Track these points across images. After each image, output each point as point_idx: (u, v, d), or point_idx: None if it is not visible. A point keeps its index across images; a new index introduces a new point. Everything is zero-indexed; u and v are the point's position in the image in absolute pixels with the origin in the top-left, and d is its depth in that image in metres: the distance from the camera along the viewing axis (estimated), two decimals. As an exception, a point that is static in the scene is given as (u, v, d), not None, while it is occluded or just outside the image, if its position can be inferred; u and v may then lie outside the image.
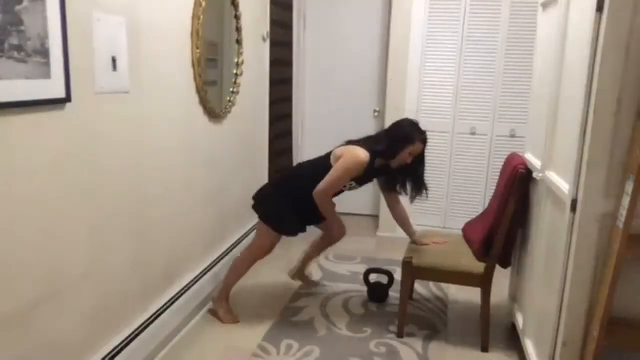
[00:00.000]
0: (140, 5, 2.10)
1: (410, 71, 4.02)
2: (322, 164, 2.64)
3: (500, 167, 2.80)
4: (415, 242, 2.84)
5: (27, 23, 1.51)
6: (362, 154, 2.56)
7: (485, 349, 2.59)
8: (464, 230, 2.95)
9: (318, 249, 3.14)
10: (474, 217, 3.06)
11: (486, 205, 3.89)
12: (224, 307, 2.78)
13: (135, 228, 2.18)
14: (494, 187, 3.58)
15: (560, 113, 2.07)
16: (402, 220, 2.88)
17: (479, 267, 2.57)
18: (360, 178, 2.67)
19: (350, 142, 2.68)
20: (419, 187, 2.75)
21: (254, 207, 2.75)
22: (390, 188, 2.82)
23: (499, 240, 2.50)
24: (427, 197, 2.80)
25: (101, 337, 1.99)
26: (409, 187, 2.77)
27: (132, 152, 2.12)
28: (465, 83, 3.96)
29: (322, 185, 2.56)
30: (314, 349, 2.54)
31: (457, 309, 3.03)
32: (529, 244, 2.46)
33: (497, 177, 2.91)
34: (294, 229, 2.74)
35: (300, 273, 3.19)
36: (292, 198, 2.66)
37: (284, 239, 2.81)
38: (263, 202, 2.74)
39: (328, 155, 2.69)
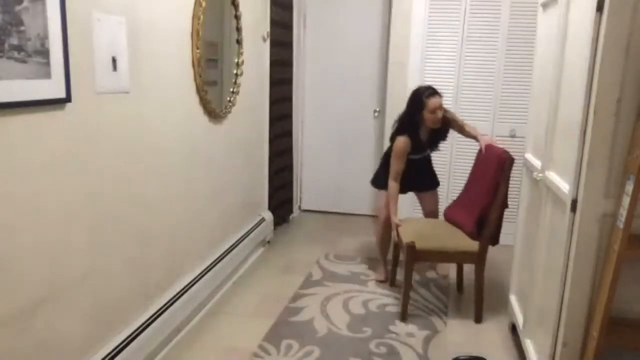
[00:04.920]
0: (140, 5, 2.10)
1: (410, 71, 4.02)
2: None
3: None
4: (478, 140, 3.12)
5: (27, 23, 1.51)
6: (401, 140, 3.08)
7: (478, 320, 2.87)
8: (447, 214, 3.23)
9: None
10: (452, 202, 3.35)
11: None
12: (380, 266, 3.41)
13: (135, 228, 2.18)
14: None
15: (560, 113, 2.07)
16: (467, 135, 3.23)
17: (473, 245, 2.85)
18: (417, 148, 3.14)
19: (394, 133, 3.18)
20: (441, 140, 3.27)
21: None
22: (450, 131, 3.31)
23: (492, 220, 2.80)
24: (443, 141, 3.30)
25: (101, 337, 1.99)
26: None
27: (132, 152, 2.12)
28: (465, 83, 3.96)
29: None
30: (314, 349, 2.54)
31: (457, 310, 3.03)
32: (529, 244, 2.46)
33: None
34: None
35: None
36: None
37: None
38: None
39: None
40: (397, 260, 3.36)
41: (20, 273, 1.58)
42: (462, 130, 3.26)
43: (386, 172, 3.22)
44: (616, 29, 1.60)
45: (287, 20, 4.20)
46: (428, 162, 3.39)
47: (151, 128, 2.25)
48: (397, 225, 3.10)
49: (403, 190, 3.25)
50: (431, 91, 3.04)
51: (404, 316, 2.86)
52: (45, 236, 1.67)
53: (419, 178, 3.33)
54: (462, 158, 4.07)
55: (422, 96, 3.03)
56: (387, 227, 3.31)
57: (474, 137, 3.19)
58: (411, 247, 2.81)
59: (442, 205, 3.53)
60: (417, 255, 2.85)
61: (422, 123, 3.08)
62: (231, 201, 3.27)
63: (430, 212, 3.44)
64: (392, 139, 3.17)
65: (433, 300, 3.13)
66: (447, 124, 3.18)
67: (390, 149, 3.25)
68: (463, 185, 4.12)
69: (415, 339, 2.67)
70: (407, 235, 2.94)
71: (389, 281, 3.35)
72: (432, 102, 3.00)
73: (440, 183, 3.55)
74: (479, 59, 3.91)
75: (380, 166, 3.41)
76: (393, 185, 3.14)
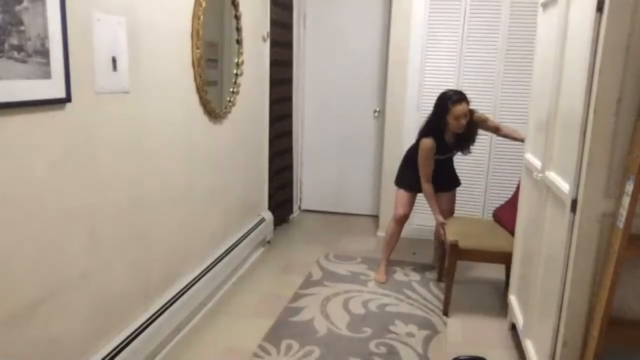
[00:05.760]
0: (140, 5, 2.10)
1: (410, 71, 4.02)
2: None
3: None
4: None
5: (27, 23, 1.51)
6: (426, 143, 3.13)
7: None
8: (495, 214, 3.33)
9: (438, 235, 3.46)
10: (504, 202, 3.42)
11: (487, 204, 3.97)
12: (382, 266, 3.45)
13: (135, 228, 2.18)
14: (494, 187, 3.67)
15: (560, 113, 2.07)
16: (508, 136, 3.30)
17: None
18: (443, 149, 3.19)
19: (420, 134, 3.22)
20: (468, 144, 3.27)
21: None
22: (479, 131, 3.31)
23: None
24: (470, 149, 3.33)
25: (101, 337, 1.99)
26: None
27: (132, 152, 2.12)
28: (465, 83, 3.96)
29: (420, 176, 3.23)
30: (314, 349, 2.54)
31: (457, 309, 3.03)
32: (529, 244, 2.46)
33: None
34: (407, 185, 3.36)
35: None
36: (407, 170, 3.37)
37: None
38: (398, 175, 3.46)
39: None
40: (444, 259, 3.32)
41: (20, 273, 1.58)
42: (498, 131, 3.27)
43: (406, 172, 3.31)
44: (616, 29, 1.60)
45: (287, 20, 4.20)
46: (451, 162, 3.43)
47: (151, 128, 2.25)
48: (443, 224, 3.19)
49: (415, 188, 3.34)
50: (458, 97, 3.02)
51: (445, 311, 2.95)
52: (45, 236, 1.67)
53: (441, 178, 3.33)
54: (462, 158, 4.07)
55: (448, 101, 3.03)
56: (398, 224, 3.40)
57: (520, 140, 3.10)
58: (454, 245, 2.91)
59: (493, 205, 3.63)
60: (460, 254, 2.93)
61: (447, 127, 3.09)
62: (231, 201, 3.27)
63: (446, 211, 3.42)
64: (418, 139, 3.20)
65: (433, 300, 3.13)
66: (475, 127, 3.19)
67: (410, 150, 3.33)
68: (462, 188, 4.17)
69: (415, 339, 2.67)
70: (451, 233, 3.03)
71: (438, 276, 3.44)
72: (457, 109, 3.00)
73: (469, 183, 3.59)
74: (479, 59, 3.91)
75: (400, 166, 3.45)
76: (427, 186, 3.21)
